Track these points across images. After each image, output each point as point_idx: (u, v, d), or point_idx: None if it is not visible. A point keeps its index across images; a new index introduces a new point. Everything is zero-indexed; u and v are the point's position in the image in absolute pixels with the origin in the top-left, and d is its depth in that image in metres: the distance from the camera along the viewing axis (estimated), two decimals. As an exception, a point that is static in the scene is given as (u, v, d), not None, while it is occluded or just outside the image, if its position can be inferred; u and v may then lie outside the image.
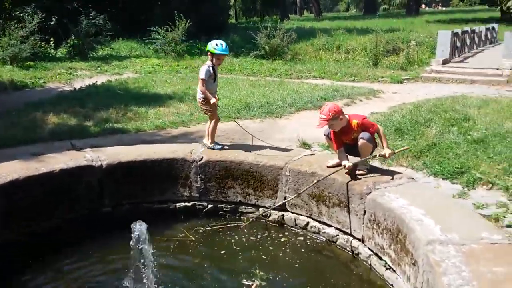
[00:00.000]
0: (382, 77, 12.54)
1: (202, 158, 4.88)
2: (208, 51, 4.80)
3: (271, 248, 4.37)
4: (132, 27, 20.36)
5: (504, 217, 4.04)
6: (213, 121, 5.02)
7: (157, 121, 7.59)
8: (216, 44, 4.75)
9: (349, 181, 4.11)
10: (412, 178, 4.25)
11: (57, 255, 4.17)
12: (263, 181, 4.72)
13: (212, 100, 4.75)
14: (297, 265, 4.11)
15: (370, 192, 3.92)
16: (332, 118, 4.01)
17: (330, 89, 9.96)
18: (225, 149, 5.03)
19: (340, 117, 4.06)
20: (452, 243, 2.98)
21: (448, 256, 2.84)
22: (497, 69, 12.36)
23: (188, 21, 16.69)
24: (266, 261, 4.12)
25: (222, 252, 4.27)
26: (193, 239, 4.52)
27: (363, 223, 4.00)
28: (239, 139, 6.80)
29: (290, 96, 9.11)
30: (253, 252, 4.29)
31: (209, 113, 4.99)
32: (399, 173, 4.34)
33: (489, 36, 20.13)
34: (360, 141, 4.12)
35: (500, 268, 2.67)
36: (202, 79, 4.77)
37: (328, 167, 4.38)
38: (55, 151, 5.24)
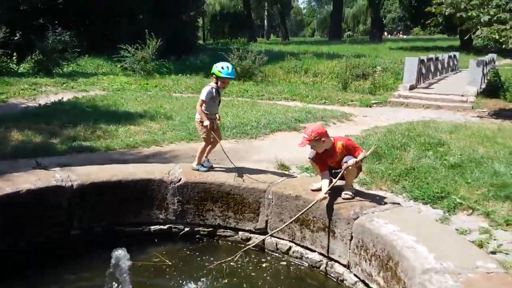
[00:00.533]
0: (351, 101, 12.70)
1: (180, 180, 4.67)
2: (213, 73, 4.56)
3: (251, 274, 4.18)
4: (98, 45, 19.98)
5: (488, 243, 4.02)
6: (204, 143, 4.79)
7: (128, 139, 7.31)
8: (222, 67, 4.49)
9: (335, 206, 4.00)
10: (398, 203, 4.18)
11: (23, 280, 3.84)
12: (244, 204, 4.55)
13: (206, 123, 4.53)
14: (278, 293, 3.94)
15: (357, 217, 3.82)
16: (314, 139, 3.93)
17: (303, 111, 9.96)
18: (211, 170, 4.82)
19: (323, 139, 3.96)
20: (449, 272, 2.89)
21: (447, 286, 2.74)
22: (462, 95, 12.77)
23: (159, 40, 16.52)
24: (246, 289, 3.93)
25: (202, 279, 4.04)
26: (170, 263, 4.28)
27: (349, 249, 3.88)
28: (214, 159, 6.62)
29: (264, 117, 9.03)
30: (234, 279, 4.08)
31: (202, 134, 4.76)
32: (384, 197, 4.27)
33: (451, 63, 20.91)
34: (345, 165, 4.03)
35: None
36: (201, 100, 4.57)
37: (312, 190, 4.26)
38: (20, 169, 4.91)
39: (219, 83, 4.55)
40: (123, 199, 4.57)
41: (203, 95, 4.56)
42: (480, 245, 3.96)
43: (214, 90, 4.58)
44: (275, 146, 7.14)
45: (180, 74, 17.60)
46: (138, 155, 6.62)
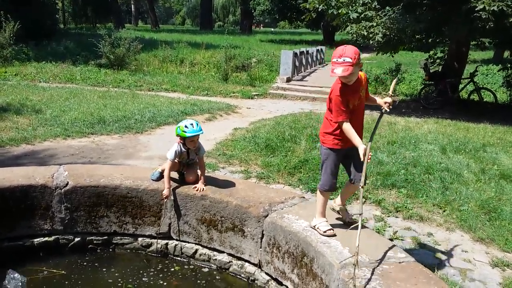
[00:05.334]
0: (233, 93, 12.74)
1: (67, 184, 4.13)
2: (178, 135, 3.95)
3: (154, 282, 3.88)
4: None
5: (385, 230, 4.27)
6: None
7: (-9, 137, 6.33)
8: (186, 126, 3.88)
9: (244, 204, 3.88)
10: (303, 197, 4.22)
11: None
12: (144, 207, 4.20)
13: (165, 191, 4.00)
14: (185, 300, 3.72)
15: (267, 215, 3.76)
16: (357, 62, 2.91)
17: (189, 104, 9.68)
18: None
19: (360, 62, 2.99)
20: (365, 266, 2.96)
21: (367, 279, 2.80)
22: (333, 88, 13.62)
23: (17, 24, 14.66)
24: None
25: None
26: (64, 273, 3.80)
27: (260, 247, 3.81)
28: (98, 158, 6.07)
29: (148, 110, 8.55)
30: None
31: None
32: (289, 192, 4.28)
33: (318, 57, 22.25)
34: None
35: (418, 288, 2.73)
36: (169, 161, 4.00)
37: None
38: None
39: (186, 143, 3.98)
40: (-3, 210, 3.90)
41: (170, 154, 4.01)
42: (378, 233, 4.18)
43: (182, 148, 4.03)
44: (164, 141, 6.79)
45: (43, 62, 15.92)
46: (6, 156, 5.78)
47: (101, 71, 14.83)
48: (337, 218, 3.61)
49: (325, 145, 3.25)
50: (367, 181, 3.82)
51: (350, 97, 3.05)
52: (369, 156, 2.98)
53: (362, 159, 2.96)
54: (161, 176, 4.22)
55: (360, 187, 3.03)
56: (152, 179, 4.21)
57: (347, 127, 3.05)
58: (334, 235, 3.26)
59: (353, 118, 3.11)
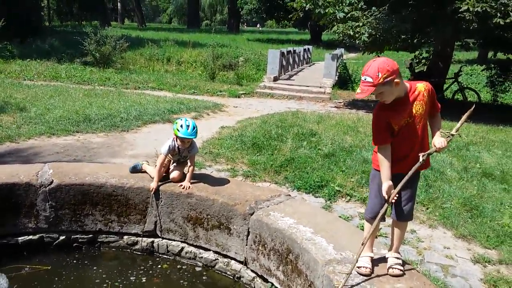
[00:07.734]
0: (220, 91, 12.73)
1: (52, 182, 4.11)
2: (173, 130, 3.98)
3: (140, 280, 3.88)
4: None
5: (370, 227, 4.30)
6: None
7: (-27, 135, 6.25)
8: (181, 126, 3.89)
9: (230, 202, 3.90)
10: (289, 195, 4.25)
11: None
12: (130, 205, 4.19)
13: (152, 184, 4.07)
14: (170, 297, 3.73)
15: (253, 212, 3.78)
16: (383, 82, 2.49)
17: (175, 102, 9.65)
18: None
19: (396, 80, 2.52)
20: (350, 262, 2.99)
21: (351, 275, 2.84)
22: (320, 87, 13.70)
23: (2, 21, 14.48)
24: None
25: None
26: (49, 268, 3.81)
27: (246, 245, 3.84)
28: (83, 156, 6.03)
29: (134, 108, 8.50)
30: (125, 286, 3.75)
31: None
32: (274, 189, 4.31)
33: (306, 56, 22.32)
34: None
35: (400, 284, 2.77)
36: (163, 155, 4.04)
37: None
38: None
39: (178, 140, 4.02)
40: (-19, 208, 3.86)
41: (163, 148, 4.03)
42: (363, 229, 4.22)
43: (175, 145, 4.07)
44: (150, 139, 6.76)
45: (28, 59, 15.75)
46: (-11, 154, 5.69)
47: (86, 69, 14.71)
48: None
49: (373, 165, 2.88)
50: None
51: (392, 118, 2.64)
52: (393, 200, 2.69)
53: (386, 198, 2.68)
54: (137, 169, 4.32)
55: (361, 243, 2.80)
56: (130, 169, 4.31)
57: (381, 155, 2.68)
58: (368, 275, 2.85)
59: (401, 141, 2.70)
